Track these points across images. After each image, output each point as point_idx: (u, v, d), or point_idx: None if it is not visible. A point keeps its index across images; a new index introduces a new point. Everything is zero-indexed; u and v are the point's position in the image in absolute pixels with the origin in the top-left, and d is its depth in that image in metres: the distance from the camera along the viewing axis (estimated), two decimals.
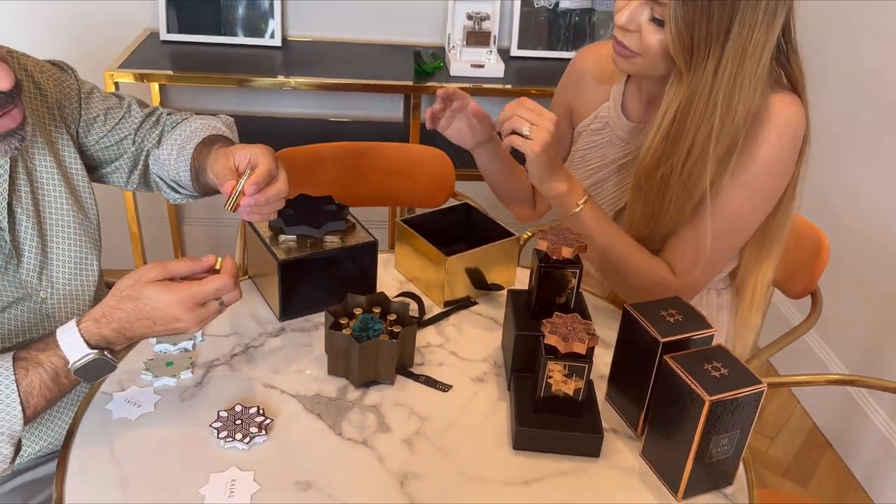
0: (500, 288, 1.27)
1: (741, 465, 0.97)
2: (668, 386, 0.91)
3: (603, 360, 1.10)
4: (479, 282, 1.26)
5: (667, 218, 1.21)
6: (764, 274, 1.28)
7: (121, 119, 1.26)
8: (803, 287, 1.53)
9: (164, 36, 2.22)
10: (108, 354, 0.93)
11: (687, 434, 0.89)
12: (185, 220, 2.62)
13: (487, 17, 2.24)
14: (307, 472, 0.93)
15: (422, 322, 1.20)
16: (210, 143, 1.18)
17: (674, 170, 1.16)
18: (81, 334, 0.92)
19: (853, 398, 2.12)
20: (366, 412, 1.02)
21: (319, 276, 1.18)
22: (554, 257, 1.03)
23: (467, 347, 1.16)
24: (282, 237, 1.17)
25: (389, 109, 2.43)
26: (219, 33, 2.25)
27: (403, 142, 2.15)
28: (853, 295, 2.12)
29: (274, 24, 2.26)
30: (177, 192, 1.31)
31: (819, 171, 2.26)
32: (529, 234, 1.71)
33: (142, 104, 1.30)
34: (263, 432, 0.97)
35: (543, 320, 0.95)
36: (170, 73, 2.07)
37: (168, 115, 1.32)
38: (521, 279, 1.31)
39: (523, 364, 1.04)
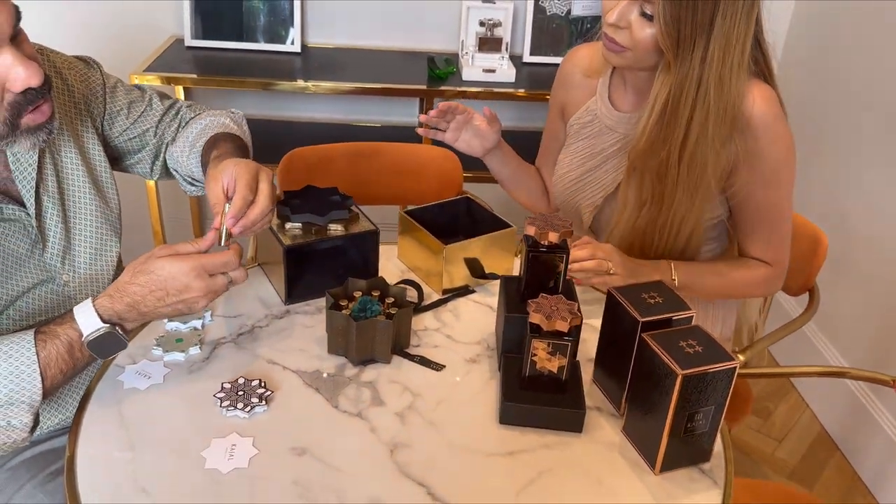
0: (497, 277, 1.32)
1: (720, 442, 1.00)
2: (645, 362, 0.95)
3: (592, 345, 1.15)
4: (477, 271, 1.31)
5: (675, 202, 1.29)
6: None
7: (143, 113, 1.32)
8: (802, 284, 1.56)
9: (189, 42, 2.31)
10: (119, 330, 0.99)
11: (663, 408, 0.93)
12: (206, 220, 2.71)
13: (499, 24, 2.30)
14: (303, 439, 0.98)
15: (420, 307, 1.25)
16: (218, 141, 1.23)
17: (671, 153, 1.25)
18: (96, 309, 0.99)
19: (860, 401, 2.13)
20: (362, 388, 1.08)
21: (323, 262, 1.24)
22: (542, 242, 1.08)
23: (462, 331, 1.21)
24: (288, 225, 1.23)
25: (405, 114, 2.50)
26: (241, 39, 2.34)
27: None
28: (857, 292, 2.13)
29: (294, 32, 2.35)
30: (192, 185, 1.38)
31: (824, 170, 2.29)
32: None
33: (163, 97, 1.37)
34: (264, 403, 1.03)
35: (529, 300, 1.00)
36: (194, 76, 2.16)
37: (187, 107, 1.39)
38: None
39: (513, 345, 1.09)
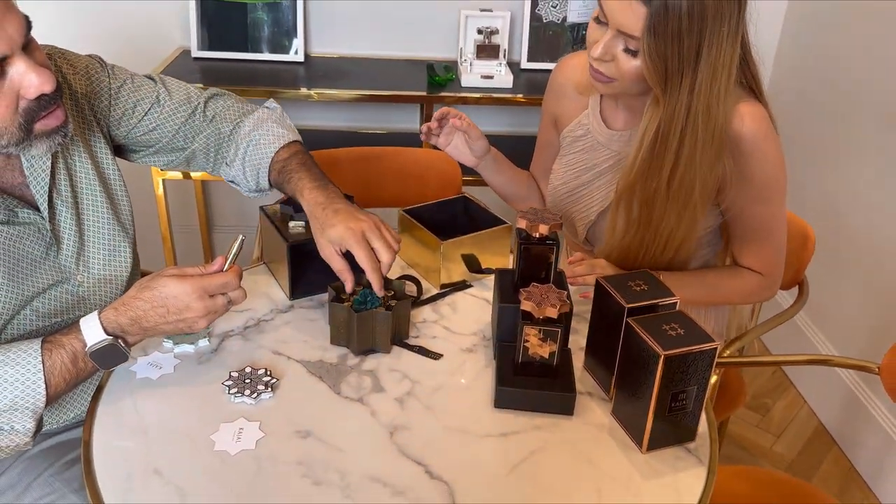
0: (492, 271, 1.37)
1: (705, 423, 1.05)
2: (631, 346, 1.00)
3: (584, 336, 1.19)
4: (474, 266, 1.36)
5: (662, 224, 1.30)
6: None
7: (148, 112, 1.33)
8: (792, 277, 1.61)
9: (196, 53, 2.38)
10: (121, 343, 1.04)
11: (648, 389, 0.98)
12: (214, 228, 2.77)
13: (497, 32, 2.36)
14: (307, 423, 1.04)
15: (419, 301, 1.30)
16: (287, 167, 1.31)
17: (659, 184, 1.25)
18: (100, 321, 1.04)
19: (857, 396, 2.16)
20: (363, 375, 1.13)
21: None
22: (533, 234, 1.14)
23: (460, 323, 1.26)
24: (291, 223, 1.29)
25: (406, 120, 2.56)
26: (246, 50, 2.41)
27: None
28: (849, 285, 2.17)
29: (297, 42, 2.41)
30: (258, 191, 1.42)
31: (816, 167, 2.33)
32: None
33: (181, 100, 1.38)
34: (269, 390, 1.08)
35: (521, 289, 1.05)
36: (200, 85, 2.22)
37: (221, 107, 1.42)
38: None
39: (507, 333, 1.14)
